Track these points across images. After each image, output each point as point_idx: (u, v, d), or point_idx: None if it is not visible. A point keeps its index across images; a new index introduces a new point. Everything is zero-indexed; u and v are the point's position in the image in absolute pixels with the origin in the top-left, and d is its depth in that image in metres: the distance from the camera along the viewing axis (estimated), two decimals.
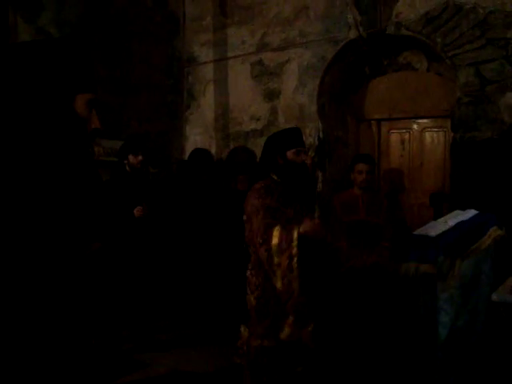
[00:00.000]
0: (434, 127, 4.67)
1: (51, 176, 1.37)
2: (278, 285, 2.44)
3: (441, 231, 2.77)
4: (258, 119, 5.00)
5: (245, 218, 2.64)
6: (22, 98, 1.36)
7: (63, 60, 1.41)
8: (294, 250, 2.39)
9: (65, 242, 1.39)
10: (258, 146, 4.93)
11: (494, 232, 2.72)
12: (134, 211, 3.92)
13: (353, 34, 4.33)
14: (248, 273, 2.65)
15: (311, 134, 4.60)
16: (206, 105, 5.43)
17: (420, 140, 4.74)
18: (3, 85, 1.37)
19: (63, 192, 1.39)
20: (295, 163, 2.66)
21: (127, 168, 4.09)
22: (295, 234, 2.40)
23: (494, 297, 2.64)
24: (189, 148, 5.51)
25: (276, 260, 2.43)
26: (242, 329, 2.69)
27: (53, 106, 1.37)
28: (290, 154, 2.66)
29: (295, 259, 2.39)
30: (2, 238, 1.27)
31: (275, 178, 2.69)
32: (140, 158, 4.08)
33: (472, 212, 2.88)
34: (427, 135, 4.71)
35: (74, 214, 1.42)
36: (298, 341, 2.52)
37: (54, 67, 1.39)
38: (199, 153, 5.24)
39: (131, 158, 4.06)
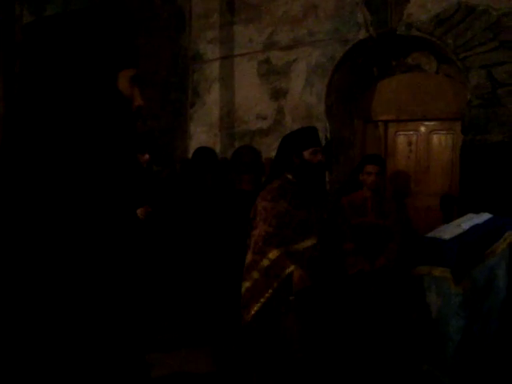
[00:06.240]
0: (442, 130, 4.63)
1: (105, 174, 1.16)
2: (242, 290, 2.70)
3: (455, 234, 2.73)
4: (265, 118, 4.94)
5: (252, 215, 2.64)
6: (61, 80, 1.11)
7: (104, 30, 1.18)
8: (270, 290, 2.55)
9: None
10: (263, 145, 4.88)
11: (510, 236, 2.68)
12: (138, 212, 3.85)
13: (362, 34, 4.28)
14: None
15: None
16: (212, 103, 5.37)
17: (427, 142, 4.69)
18: (40, 66, 1.13)
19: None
20: (311, 163, 2.64)
21: None
22: (281, 276, 2.52)
23: None
24: (193, 146, 5.44)
25: (255, 275, 2.59)
26: None
27: (95, 87, 1.14)
28: (306, 153, 2.64)
29: (265, 295, 2.57)
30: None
31: (290, 177, 2.66)
32: (147, 156, 4.02)
33: (486, 215, 2.84)
34: (435, 137, 4.67)
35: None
36: None
37: (95, 40, 1.16)
38: (203, 151, 5.16)
39: (138, 156, 4.00)
